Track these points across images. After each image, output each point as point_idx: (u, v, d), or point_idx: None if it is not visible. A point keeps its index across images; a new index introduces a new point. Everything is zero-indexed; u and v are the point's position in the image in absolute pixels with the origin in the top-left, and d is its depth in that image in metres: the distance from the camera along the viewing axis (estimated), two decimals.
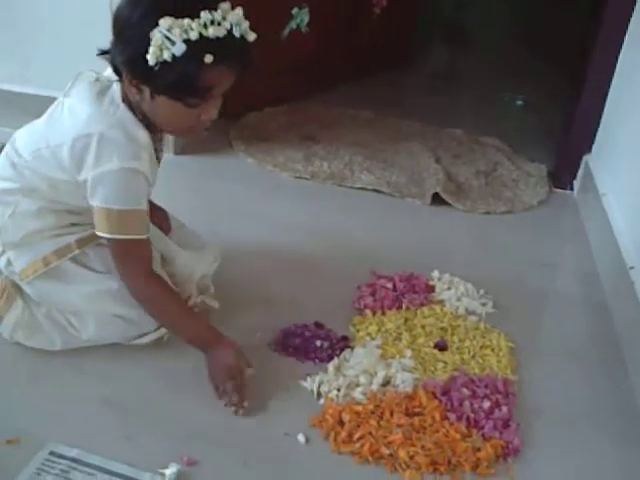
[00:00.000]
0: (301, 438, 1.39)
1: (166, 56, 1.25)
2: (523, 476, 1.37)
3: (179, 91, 1.33)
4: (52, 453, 1.29)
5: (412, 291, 1.83)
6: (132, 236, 1.41)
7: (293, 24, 2.22)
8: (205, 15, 1.25)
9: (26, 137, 1.48)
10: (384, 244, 2.13)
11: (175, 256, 1.62)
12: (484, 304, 1.84)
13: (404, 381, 1.51)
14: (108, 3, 1.34)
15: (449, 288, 1.86)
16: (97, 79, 1.43)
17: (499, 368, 1.61)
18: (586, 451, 1.45)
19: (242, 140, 2.65)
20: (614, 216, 2.13)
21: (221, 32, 1.27)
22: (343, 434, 1.38)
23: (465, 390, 1.50)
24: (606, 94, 2.44)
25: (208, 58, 1.26)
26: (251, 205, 2.28)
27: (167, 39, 1.24)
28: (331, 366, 1.54)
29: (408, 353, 1.61)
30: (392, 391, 1.49)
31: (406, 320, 1.73)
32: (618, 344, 1.77)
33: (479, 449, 1.39)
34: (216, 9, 1.27)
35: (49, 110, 1.48)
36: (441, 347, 1.66)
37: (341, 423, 1.41)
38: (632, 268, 1.84)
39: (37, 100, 1.82)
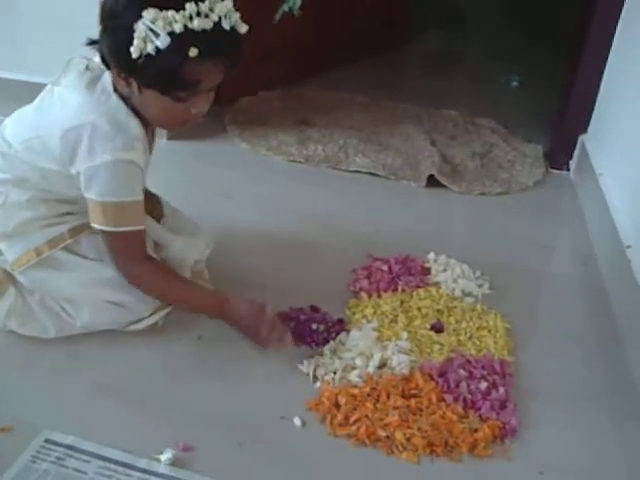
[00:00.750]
0: (297, 421, 1.38)
1: (150, 49, 1.22)
2: (521, 457, 1.36)
3: (165, 85, 1.30)
4: (47, 440, 1.28)
5: (408, 273, 1.82)
6: (128, 228, 1.40)
7: (285, 7, 2.21)
8: (190, 7, 1.22)
9: (15, 126, 1.46)
10: (380, 227, 2.12)
11: (168, 242, 1.61)
12: (480, 285, 1.83)
13: (400, 363, 1.51)
14: None
15: (445, 270, 1.85)
16: (87, 67, 1.41)
17: (496, 349, 1.60)
18: (583, 431, 1.44)
19: (236, 125, 2.63)
20: (611, 196, 2.12)
21: (208, 24, 1.23)
22: (339, 417, 1.38)
23: (462, 371, 1.49)
24: (601, 74, 2.42)
25: (193, 52, 1.23)
26: (245, 189, 2.27)
27: (151, 31, 1.21)
28: (327, 349, 1.54)
29: (404, 335, 1.60)
30: (388, 373, 1.48)
31: (402, 302, 1.72)
32: (615, 324, 1.76)
33: (476, 430, 1.38)
34: (203, 0, 1.23)
35: (38, 98, 1.46)
36: (437, 329, 1.65)
37: (337, 406, 1.40)
38: (629, 247, 1.83)
39: (29, 87, 1.80)
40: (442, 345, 1.60)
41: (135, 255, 1.45)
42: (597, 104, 2.47)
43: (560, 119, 2.64)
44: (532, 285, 1.93)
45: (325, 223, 2.10)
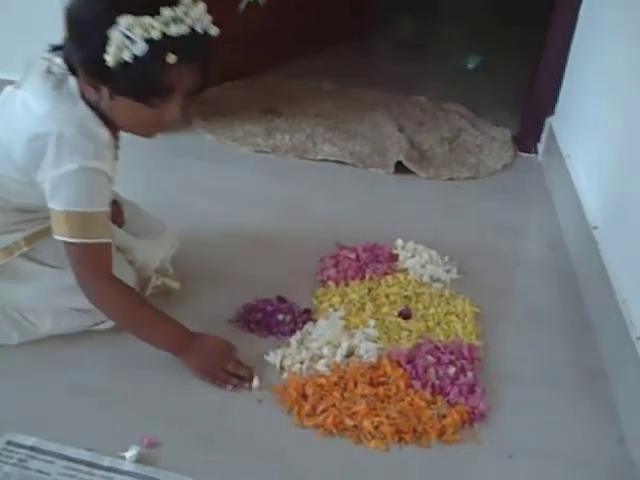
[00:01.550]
0: (265, 413, 1.37)
1: (126, 56, 1.19)
2: (489, 441, 1.36)
3: (140, 92, 1.27)
4: (9, 442, 1.26)
5: (375, 261, 1.81)
6: (95, 240, 1.34)
7: None
8: (167, 12, 1.19)
9: None
10: (348, 215, 2.11)
11: (131, 246, 1.57)
12: (448, 271, 1.82)
13: (368, 351, 1.50)
14: None
15: (413, 256, 1.84)
16: (49, 69, 1.35)
17: (464, 334, 1.60)
18: (552, 413, 1.44)
19: (201, 116, 2.61)
20: (578, 177, 2.12)
21: (184, 29, 1.21)
22: (307, 407, 1.36)
23: (430, 357, 1.48)
24: (566, 56, 2.43)
25: (171, 58, 1.20)
26: (211, 181, 2.25)
27: (127, 38, 1.18)
28: (293, 339, 1.52)
29: (372, 323, 1.59)
30: (356, 362, 1.47)
31: (370, 290, 1.71)
32: (583, 306, 1.77)
33: (444, 416, 1.37)
34: (177, 5, 1.21)
35: None
36: (405, 315, 1.64)
37: (304, 396, 1.39)
38: (596, 228, 1.83)
39: None
40: (410, 331, 1.59)
41: (100, 271, 1.38)
42: (563, 86, 2.48)
43: (528, 102, 2.64)
44: (501, 269, 1.93)
45: (293, 213, 2.09)
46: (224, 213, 2.04)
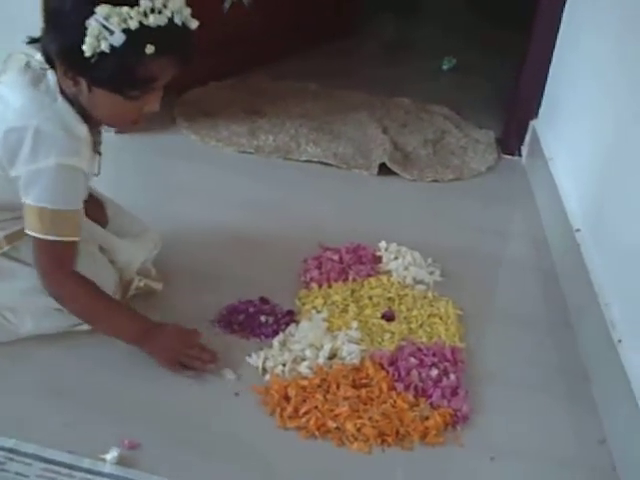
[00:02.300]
0: (247, 414, 1.36)
1: (104, 47, 1.18)
2: (472, 443, 1.36)
3: (118, 84, 1.26)
4: None
5: (359, 262, 1.81)
6: (63, 238, 1.33)
7: None
8: (145, 2, 1.18)
9: None
10: (332, 216, 2.11)
11: (114, 246, 1.57)
12: (432, 272, 1.82)
13: (350, 353, 1.49)
14: None
15: (396, 258, 1.84)
16: (28, 64, 1.34)
17: (447, 336, 1.60)
18: (534, 415, 1.45)
19: (185, 116, 2.59)
20: (561, 180, 2.13)
21: (162, 20, 1.20)
22: (289, 409, 1.36)
23: (412, 359, 1.48)
24: (550, 59, 2.43)
25: (149, 49, 1.19)
26: (195, 182, 2.23)
27: (105, 28, 1.17)
28: (276, 341, 1.52)
29: (354, 325, 1.59)
30: (339, 364, 1.47)
31: (353, 292, 1.70)
32: (566, 307, 1.77)
33: (427, 418, 1.37)
34: None
35: None
36: (388, 317, 1.64)
37: (287, 398, 1.38)
38: (578, 231, 1.84)
39: None
40: (393, 333, 1.59)
41: (63, 268, 1.37)
42: (546, 90, 2.48)
43: (511, 104, 2.65)
44: (484, 271, 1.93)
45: (276, 214, 2.08)
46: (207, 214, 2.03)
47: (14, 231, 1.42)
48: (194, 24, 1.27)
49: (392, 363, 1.48)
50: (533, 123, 2.54)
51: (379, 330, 1.60)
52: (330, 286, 1.72)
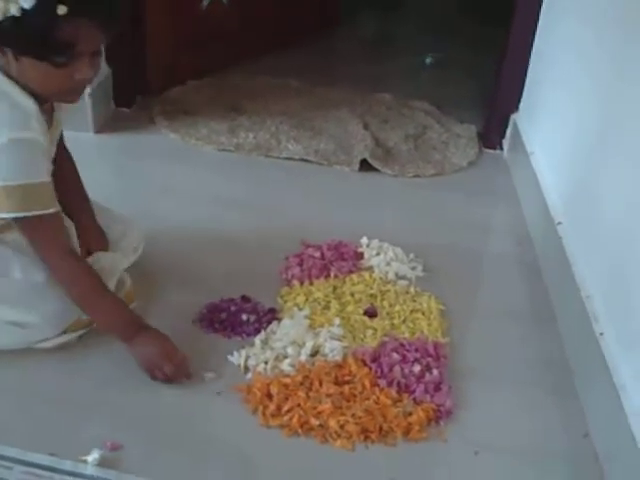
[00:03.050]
0: (229, 413, 1.36)
1: (13, 10, 1.14)
2: (456, 438, 1.35)
3: (39, 49, 1.21)
4: None
5: (340, 259, 1.80)
6: (37, 212, 1.29)
7: None
8: None
9: None
10: (313, 213, 2.10)
11: (98, 258, 1.54)
12: (414, 268, 1.82)
13: (333, 350, 1.49)
14: None
15: (378, 254, 1.83)
16: None
17: (430, 331, 1.59)
18: (518, 409, 1.45)
19: (165, 115, 2.57)
20: (542, 174, 2.13)
21: None
22: (271, 407, 1.35)
23: (395, 355, 1.47)
24: (529, 53, 2.43)
25: (61, 9, 1.14)
26: (175, 181, 2.21)
27: None
28: (258, 339, 1.51)
29: (337, 321, 1.58)
30: (321, 361, 1.46)
31: (335, 288, 1.70)
32: (548, 300, 1.77)
33: (410, 414, 1.37)
34: None
35: None
36: (371, 314, 1.63)
37: (269, 396, 1.38)
38: (560, 224, 1.83)
39: None
40: (375, 330, 1.58)
41: (55, 245, 1.35)
42: (527, 83, 2.48)
43: (492, 99, 2.64)
44: (467, 266, 1.92)
45: (257, 212, 2.07)
46: (187, 212, 2.01)
47: None
48: None
49: (375, 359, 1.47)
50: (514, 117, 2.54)
51: (361, 326, 1.59)
52: (312, 283, 1.71)
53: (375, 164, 2.36)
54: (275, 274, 1.77)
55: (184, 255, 1.81)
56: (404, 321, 1.62)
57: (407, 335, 1.57)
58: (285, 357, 1.47)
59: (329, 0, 3.62)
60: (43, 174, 1.31)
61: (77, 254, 1.41)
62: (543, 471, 1.32)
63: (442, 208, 2.21)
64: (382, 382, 1.42)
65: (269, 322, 1.57)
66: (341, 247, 1.84)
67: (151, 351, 1.40)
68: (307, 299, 1.65)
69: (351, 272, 1.76)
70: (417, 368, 1.45)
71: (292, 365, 1.44)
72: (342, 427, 1.33)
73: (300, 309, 1.62)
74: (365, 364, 1.46)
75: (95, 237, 1.59)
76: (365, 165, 2.37)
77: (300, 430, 1.32)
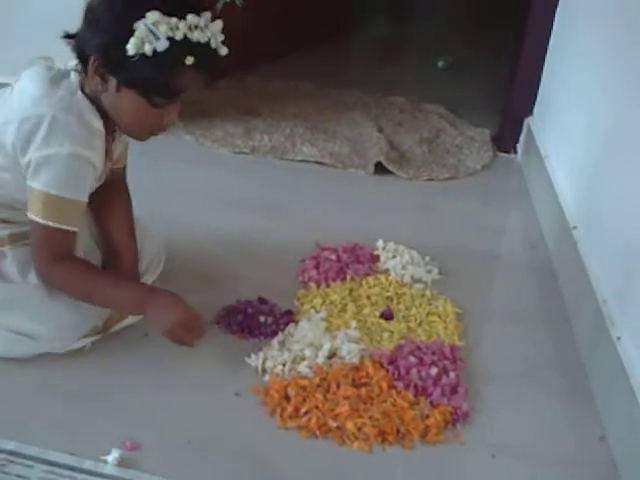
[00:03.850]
0: (247, 415, 1.36)
1: (147, 49, 1.22)
2: (473, 441, 1.36)
3: (149, 88, 1.28)
4: None
5: (356, 261, 1.81)
6: (62, 226, 1.33)
7: None
8: (192, 18, 1.23)
9: None
10: (328, 216, 2.11)
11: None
12: (430, 271, 1.82)
13: (350, 352, 1.49)
14: None
15: (394, 257, 1.84)
16: (51, 67, 1.37)
17: (446, 334, 1.60)
18: (534, 412, 1.45)
19: (180, 117, 2.57)
20: (556, 178, 2.13)
21: (203, 38, 1.25)
22: (289, 409, 1.36)
23: (412, 358, 1.48)
24: (544, 57, 2.44)
25: (189, 60, 1.24)
26: (190, 183, 2.23)
27: (151, 33, 1.21)
28: (275, 341, 1.52)
29: (353, 324, 1.59)
30: (338, 363, 1.47)
31: (351, 291, 1.70)
32: (563, 304, 1.77)
33: (427, 416, 1.37)
34: (200, 16, 1.25)
35: None
36: (387, 316, 1.64)
37: (287, 398, 1.38)
38: (575, 228, 1.84)
39: None
40: (392, 332, 1.59)
41: (58, 255, 1.37)
42: (541, 87, 2.49)
43: (506, 102, 2.65)
44: (481, 269, 1.93)
45: (273, 214, 2.08)
46: (203, 215, 2.02)
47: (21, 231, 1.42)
48: (224, 51, 1.31)
49: (392, 362, 1.48)
50: (528, 121, 2.55)
51: (378, 329, 1.60)
52: (328, 285, 1.72)
53: (390, 167, 2.37)
54: (291, 276, 1.78)
55: (200, 257, 1.82)
56: (420, 324, 1.62)
57: (423, 338, 1.58)
58: (302, 359, 1.47)
59: (342, 5, 3.62)
60: (84, 193, 1.36)
61: (71, 257, 1.40)
62: (559, 474, 1.32)
63: (456, 211, 2.22)
64: (399, 385, 1.43)
65: (286, 324, 1.57)
66: (357, 250, 1.85)
67: (166, 315, 1.41)
68: (324, 301, 1.66)
69: (367, 275, 1.77)
70: (434, 371, 1.45)
71: (309, 367, 1.45)
72: (359, 429, 1.33)
73: (317, 311, 1.62)
74: (382, 367, 1.47)
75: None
76: (379, 168, 2.38)
77: (318, 432, 1.33)
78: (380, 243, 1.89)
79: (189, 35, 1.23)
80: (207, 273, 1.76)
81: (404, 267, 1.80)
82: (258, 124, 2.60)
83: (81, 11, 1.30)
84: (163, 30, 1.22)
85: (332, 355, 1.50)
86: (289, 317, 1.60)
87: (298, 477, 1.26)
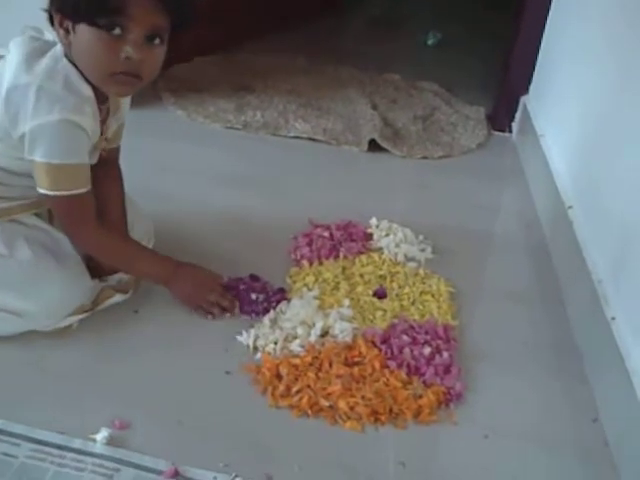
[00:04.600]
0: (238, 393, 1.35)
1: None
2: (465, 421, 1.34)
3: (90, 6, 1.19)
4: None
5: (350, 239, 1.79)
6: (74, 191, 1.32)
7: None
8: None
9: None
10: (321, 193, 2.09)
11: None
12: (423, 250, 1.80)
13: (343, 331, 1.48)
14: None
15: (387, 235, 1.82)
16: (37, 38, 1.34)
17: (439, 314, 1.58)
18: (528, 392, 1.44)
19: (171, 92, 2.56)
20: (552, 157, 2.12)
21: None
22: (281, 388, 1.34)
23: (405, 337, 1.46)
24: (540, 35, 2.42)
25: None
26: (181, 159, 2.20)
27: None
28: (267, 319, 1.50)
29: (346, 302, 1.57)
30: (331, 341, 1.45)
31: (344, 269, 1.69)
32: (558, 285, 1.76)
33: (420, 396, 1.36)
34: None
35: None
36: (380, 295, 1.62)
37: (279, 377, 1.37)
38: (570, 208, 1.82)
39: None
40: (385, 311, 1.57)
41: (83, 220, 1.38)
42: (537, 65, 2.47)
43: (502, 80, 2.63)
44: (476, 248, 1.91)
45: (265, 190, 2.06)
46: (194, 191, 2.00)
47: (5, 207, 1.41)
48: None
49: (384, 341, 1.46)
50: (524, 99, 2.52)
51: (371, 308, 1.58)
52: (321, 263, 1.70)
53: (384, 144, 2.34)
54: (283, 254, 1.76)
55: (191, 233, 1.80)
56: (413, 303, 1.61)
57: (417, 317, 1.56)
58: (295, 337, 1.46)
59: None
60: (83, 156, 1.33)
61: (102, 225, 1.43)
62: (552, 455, 1.31)
63: (450, 190, 2.20)
64: (392, 364, 1.41)
65: (278, 302, 1.55)
66: (350, 227, 1.83)
67: (189, 286, 1.51)
68: (316, 279, 1.64)
69: (360, 253, 1.75)
70: (427, 350, 1.44)
71: (302, 346, 1.44)
72: (352, 409, 1.32)
73: (309, 289, 1.60)
74: (375, 345, 1.45)
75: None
76: (373, 145, 2.35)
77: (310, 411, 1.31)
78: (374, 221, 1.87)
79: None
80: (198, 250, 1.73)
81: (397, 245, 1.79)
82: (251, 100, 2.57)
83: None
84: None
85: (324, 333, 1.48)
86: (281, 295, 1.58)
87: (290, 456, 1.24)
